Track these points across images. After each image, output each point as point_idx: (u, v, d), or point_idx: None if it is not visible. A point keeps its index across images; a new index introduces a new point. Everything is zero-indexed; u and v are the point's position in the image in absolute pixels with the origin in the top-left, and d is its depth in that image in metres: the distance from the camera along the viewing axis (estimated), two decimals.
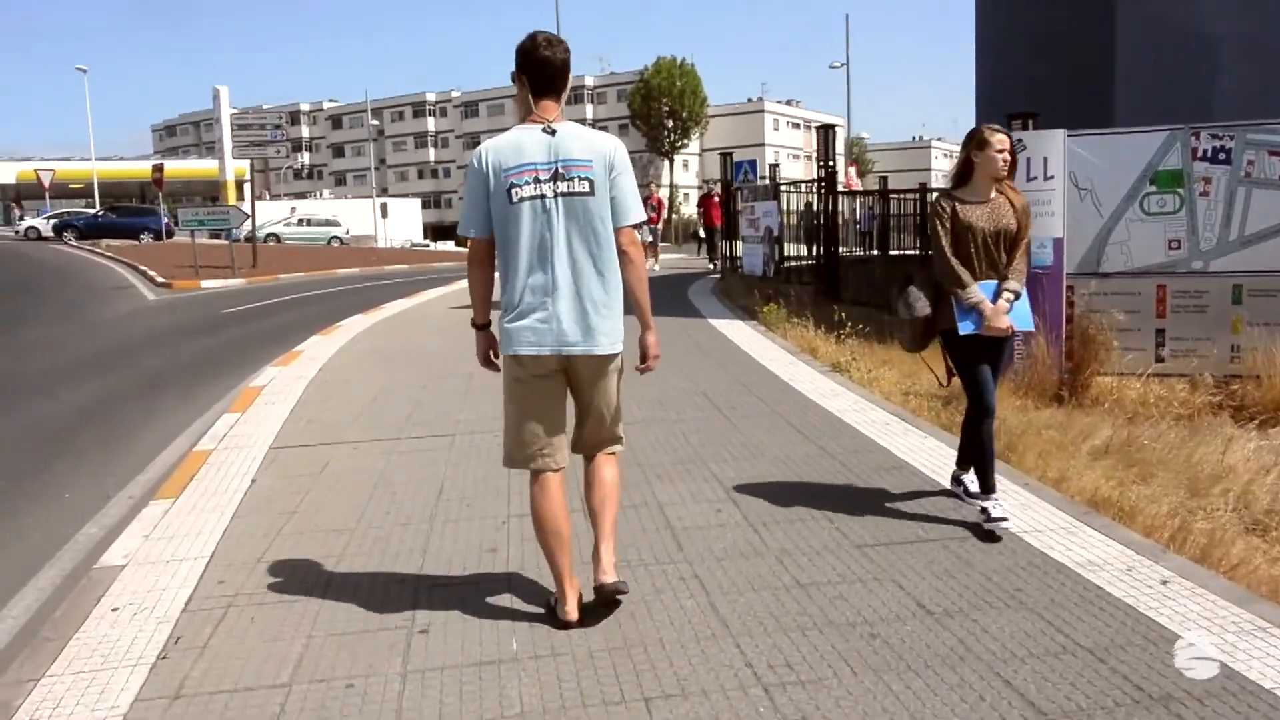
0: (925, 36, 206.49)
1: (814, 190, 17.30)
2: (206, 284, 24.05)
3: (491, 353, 3.82)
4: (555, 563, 3.66)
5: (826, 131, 14.75)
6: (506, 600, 3.95)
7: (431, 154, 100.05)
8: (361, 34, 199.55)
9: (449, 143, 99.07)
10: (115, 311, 18.43)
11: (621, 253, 3.59)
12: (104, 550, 4.81)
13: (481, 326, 3.80)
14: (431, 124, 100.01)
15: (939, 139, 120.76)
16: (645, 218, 4.43)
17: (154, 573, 4.37)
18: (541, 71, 3.54)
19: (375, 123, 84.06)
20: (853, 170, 41.11)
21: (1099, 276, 8.01)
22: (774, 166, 22.03)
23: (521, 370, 3.62)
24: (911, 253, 22.50)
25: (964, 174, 4.73)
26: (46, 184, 42.32)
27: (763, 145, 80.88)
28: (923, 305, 4.78)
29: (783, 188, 17.26)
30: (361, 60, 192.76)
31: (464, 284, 15.08)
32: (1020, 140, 8.04)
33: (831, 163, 14.86)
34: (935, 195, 4.83)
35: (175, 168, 65.98)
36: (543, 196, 3.47)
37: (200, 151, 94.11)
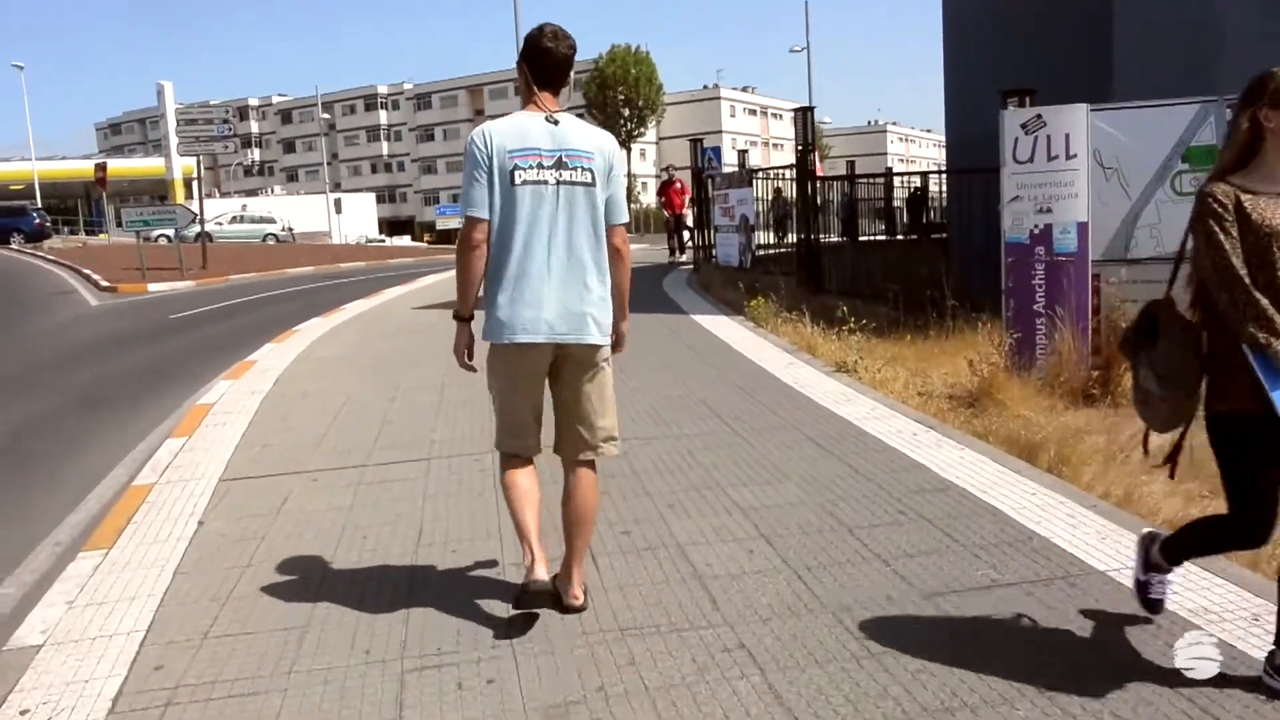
0: (879, 19, 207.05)
1: (791, 175, 16.67)
2: (154, 287, 22.97)
3: (468, 353, 3.72)
4: (527, 525, 3.57)
5: (805, 114, 14.06)
6: (513, 684, 3.20)
7: (385, 147, 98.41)
8: (312, 26, 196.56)
9: (402, 136, 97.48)
10: (55, 319, 17.38)
11: (615, 249, 3.63)
12: (20, 620, 4.00)
13: (467, 319, 3.68)
14: (384, 117, 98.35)
15: (894, 123, 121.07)
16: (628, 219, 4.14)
17: (77, 655, 3.58)
18: (540, 62, 3.54)
19: (326, 116, 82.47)
20: (815, 155, 40.62)
21: (1128, 263, 7.38)
22: (743, 153, 21.36)
23: (513, 357, 3.55)
24: (880, 238, 22.00)
25: (1248, 149, 2.97)
26: None
27: (720, 132, 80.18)
28: (1180, 370, 3.05)
29: (758, 174, 16.56)
30: (312, 53, 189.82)
31: (425, 281, 14.20)
32: (1039, 116, 7.43)
33: (811, 146, 14.18)
34: (1205, 185, 2.99)
35: (121, 166, 64.27)
36: (544, 182, 3.45)
37: (147, 149, 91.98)
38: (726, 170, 21.01)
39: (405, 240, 67.43)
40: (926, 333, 9.27)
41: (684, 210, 22.09)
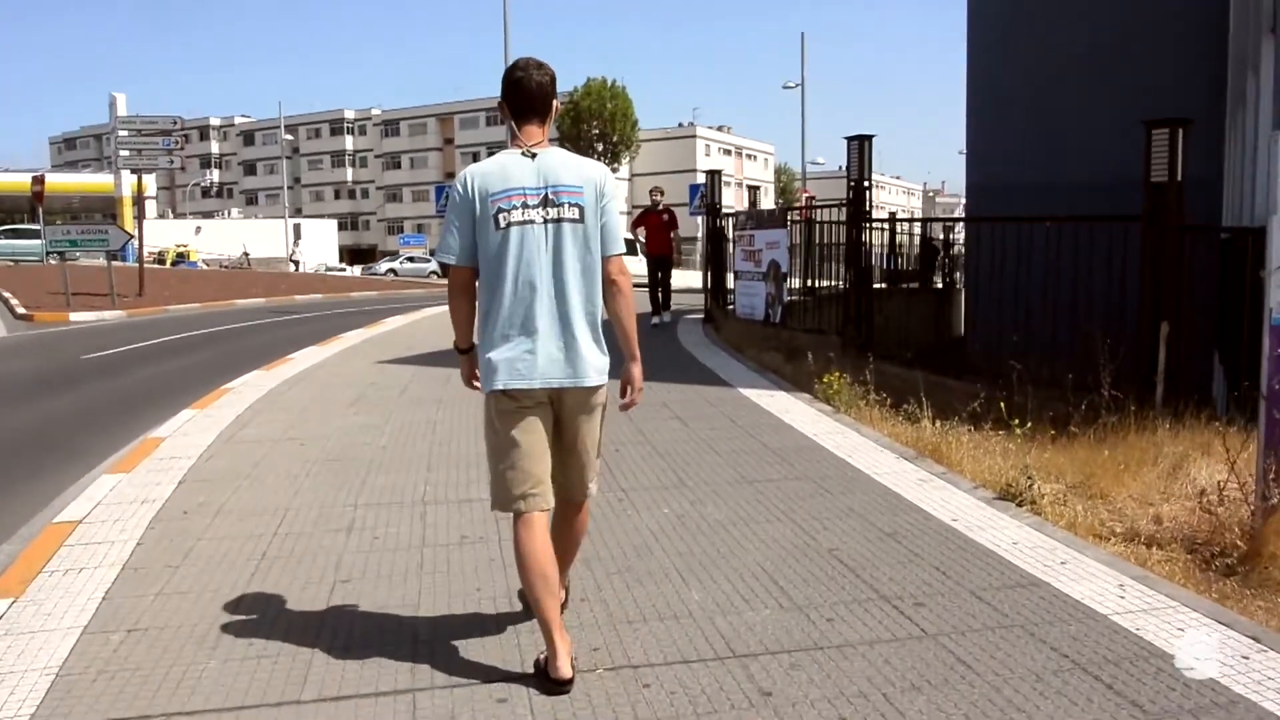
0: (852, 64, 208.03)
1: (820, 217, 14.32)
2: (76, 317, 20.14)
3: (476, 378, 3.55)
4: (545, 612, 3.30)
5: (862, 143, 11.67)
6: None
7: (349, 173, 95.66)
8: (280, 48, 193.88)
9: (368, 162, 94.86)
10: None
11: (611, 282, 3.47)
12: None
13: (467, 350, 3.59)
14: (350, 142, 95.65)
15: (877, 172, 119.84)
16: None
17: None
18: (516, 95, 3.44)
19: (289, 138, 79.49)
20: (804, 198, 38.58)
21: None
22: (754, 189, 19.06)
23: (509, 405, 3.37)
24: (881, 286, 19.69)
25: None
26: None
27: (694, 171, 77.95)
28: None
29: (792, 213, 14.17)
30: (279, 75, 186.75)
31: (390, 324, 11.50)
32: None
33: (865, 182, 11.80)
34: None
35: (70, 182, 61.13)
36: (531, 222, 3.34)
37: (102, 165, 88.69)
38: (768, 209, 18.51)
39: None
40: (1065, 426, 6.87)
41: (670, 252, 15.80)
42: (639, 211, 15.69)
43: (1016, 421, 6.04)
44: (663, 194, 15.25)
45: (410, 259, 56.02)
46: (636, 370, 3.55)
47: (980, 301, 13.24)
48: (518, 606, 3.95)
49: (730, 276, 15.73)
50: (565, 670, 3.24)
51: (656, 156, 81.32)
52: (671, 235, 15.37)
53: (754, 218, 15.19)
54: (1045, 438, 6.68)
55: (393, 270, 52.81)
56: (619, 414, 4.29)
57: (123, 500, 5.69)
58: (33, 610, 4.10)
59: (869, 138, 11.71)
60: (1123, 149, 10.26)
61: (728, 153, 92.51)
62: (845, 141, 11.82)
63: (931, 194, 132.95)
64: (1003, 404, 6.38)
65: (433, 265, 53.38)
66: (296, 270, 51.98)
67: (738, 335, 12.69)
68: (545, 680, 3.27)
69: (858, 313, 11.86)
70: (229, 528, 5.13)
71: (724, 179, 65.28)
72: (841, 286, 14.29)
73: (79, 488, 6.10)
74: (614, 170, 75.49)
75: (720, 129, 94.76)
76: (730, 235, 15.88)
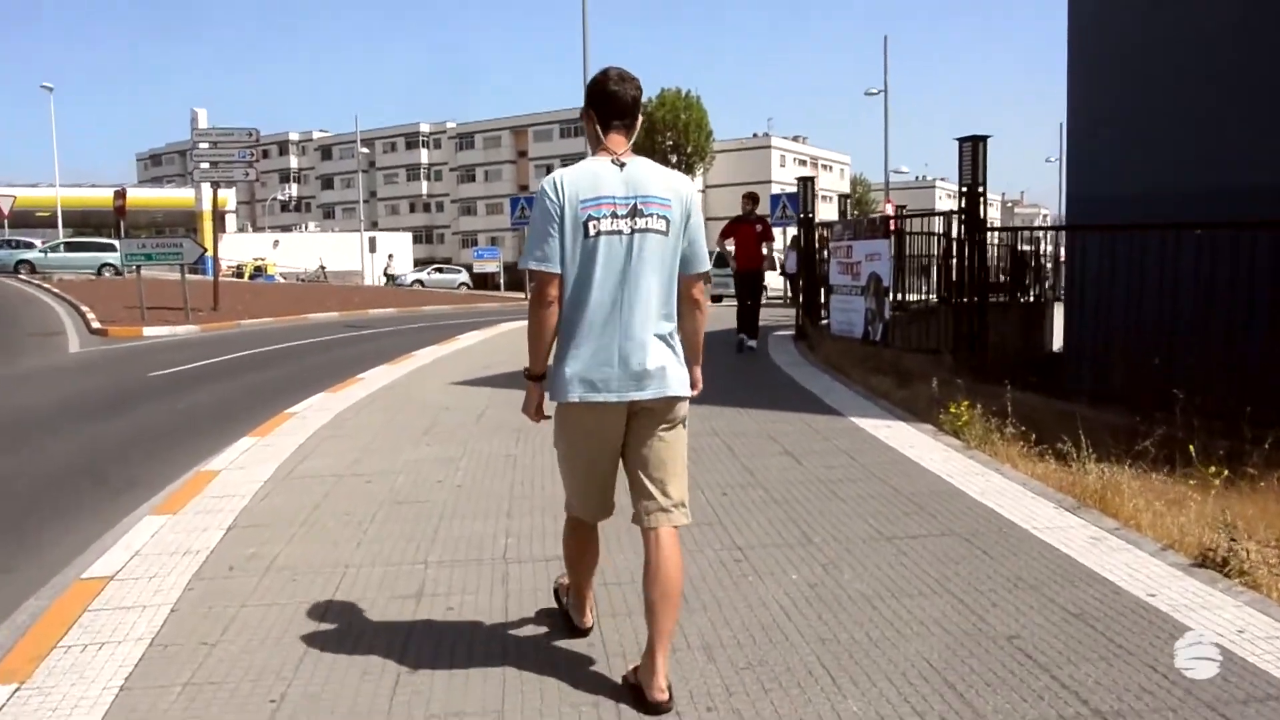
0: (920, 75, 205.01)
1: (940, 224, 13.37)
2: (150, 332, 19.89)
3: (538, 410, 3.43)
4: (582, 580, 3.65)
5: (975, 145, 10.67)
6: None
7: (424, 187, 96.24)
8: (356, 64, 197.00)
9: (442, 175, 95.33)
10: (15, 370, 14.24)
11: (694, 301, 3.41)
12: None
13: (539, 378, 3.38)
14: (425, 155, 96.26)
15: (942, 179, 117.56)
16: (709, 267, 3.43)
17: None
18: (608, 106, 3.34)
19: (365, 151, 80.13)
20: (889, 208, 37.33)
21: None
22: (845, 198, 18.06)
23: (584, 417, 3.28)
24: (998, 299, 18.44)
25: None
26: (5, 211, 38.65)
27: (769, 182, 76.76)
28: None
29: (893, 221, 13.18)
30: (356, 91, 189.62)
31: (465, 341, 10.14)
32: None
33: (980, 187, 10.80)
34: None
35: (153, 196, 62.28)
36: (619, 233, 3.21)
37: (185, 181, 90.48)
38: (869, 217, 17.36)
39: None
40: (1240, 467, 5.87)
41: (762, 266, 13.39)
42: (728, 221, 13.38)
43: (1213, 469, 5.02)
44: (756, 202, 13.19)
45: (439, 269, 55.78)
46: (697, 372, 3.51)
47: (1086, 318, 12.14)
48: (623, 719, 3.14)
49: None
50: (590, 621, 3.74)
51: (731, 167, 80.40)
52: (764, 249, 13.07)
53: (851, 227, 14.16)
54: (1222, 482, 5.67)
55: (419, 281, 52.39)
56: (723, 451, 3.46)
57: (163, 550, 4.97)
58: (36, 703, 3.38)
59: (984, 139, 10.72)
60: (1242, 155, 9.30)
61: (803, 163, 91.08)
62: (957, 144, 10.83)
63: (1010, 204, 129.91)
64: (1190, 446, 5.38)
65: (463, 276, 52.94)
66: (390, 284, 51.85)
67: (836, 354, 11.72)
68: (569, 628, 3.76)
69: (971, 331, 10.86)
70: (278, 591, 4.37)
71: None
72: (934, 300, 13.33)
73: (119, 531, 5.43)
74: None
75: (795, 139, 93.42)
76: (825, 246, 14.96)
